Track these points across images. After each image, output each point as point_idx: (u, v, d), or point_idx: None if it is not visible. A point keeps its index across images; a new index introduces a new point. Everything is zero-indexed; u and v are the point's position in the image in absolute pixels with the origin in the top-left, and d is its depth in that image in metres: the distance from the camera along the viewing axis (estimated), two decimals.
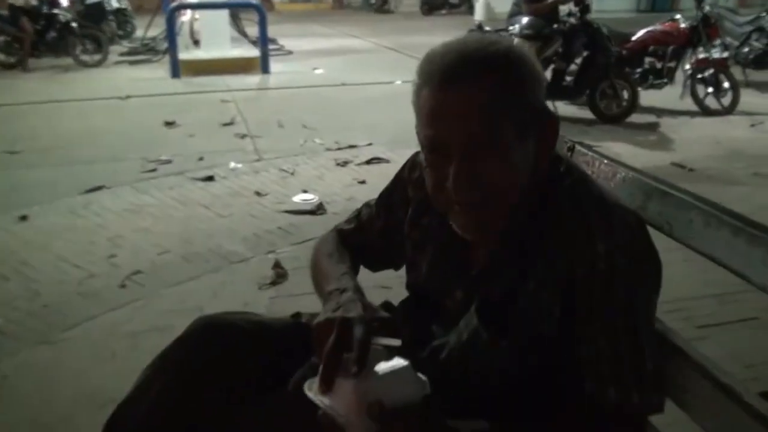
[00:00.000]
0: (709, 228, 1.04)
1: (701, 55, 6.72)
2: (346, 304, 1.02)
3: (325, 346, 0.92)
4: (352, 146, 5.55)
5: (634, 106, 6.50)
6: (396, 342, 0.96)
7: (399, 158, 5.25)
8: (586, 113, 6.65)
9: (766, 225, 0.98)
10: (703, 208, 1.07)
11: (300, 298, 2.78)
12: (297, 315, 1.33)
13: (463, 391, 1.05)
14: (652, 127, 6.44)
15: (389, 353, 0.94)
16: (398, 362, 0.92)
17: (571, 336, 0.99)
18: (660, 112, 6.89)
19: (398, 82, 8.07)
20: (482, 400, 1.05)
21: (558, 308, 0.99)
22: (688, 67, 6.81)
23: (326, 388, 0.90)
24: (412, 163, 1.24)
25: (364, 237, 1.32)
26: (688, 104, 6.79)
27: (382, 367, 0.91)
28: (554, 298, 0.99)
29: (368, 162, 5.08)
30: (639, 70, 6.89)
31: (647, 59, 6.93)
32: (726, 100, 6.74)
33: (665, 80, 6.91)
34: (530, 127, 0.98)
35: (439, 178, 0.99)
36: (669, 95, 6.98)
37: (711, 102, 6.77)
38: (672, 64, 6.88)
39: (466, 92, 0.95)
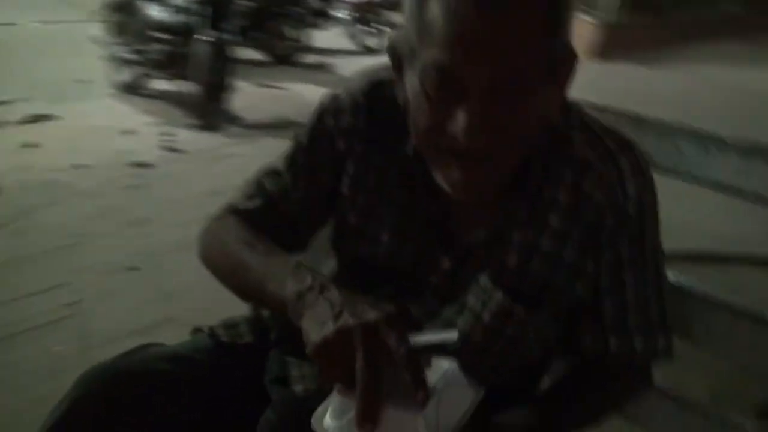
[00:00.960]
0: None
1: None
2: (348, 304, 0.72)
3: (354, 368, 0.67)
4: None
5: (303, 46, 6.54)
6: (453, 335, 0.75)
7: (73, 115, 4.58)
8: (255, 55, 6.44)
9: None
10: None
11: None
12: (199, 330, 1.06)
13: (496, 377, 0.89)
14: (325, 67, 6.59)
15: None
16: (445, 365, 0.75)
17: (595, 289, 0.89)
18: (329, 52, 7.07)
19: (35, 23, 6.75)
20: (514, 379, 0.93)
21: (590, 263, 0.87)
22: (345, 9, 7.07)
23: (370, 424, 0.65)
24: (334, 108, 0.94)
25: (278, 213, 0.98)
26: (350, 44, 7.11)
27: (433, 376, 0.71)
28: (582, 253, 0.87)
29: (34, 121, 4.14)
30: (300, 10, 6.92)
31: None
32: (383, 40, 7.22)
33: (324, 20, 7.08)
34: (559, 64, 0.78)
35: (439, 119, 0.75)
36: (334, 35, 7.20)
37: (371, 42, 7.20)
38: (326, 4, 7.06)
39: (514, 16, 0.70)
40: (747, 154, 0.94)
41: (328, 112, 0.94)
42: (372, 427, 0.64)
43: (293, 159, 0.97)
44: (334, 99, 0.94)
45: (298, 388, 0.96)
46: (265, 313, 1.07)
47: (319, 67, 6.52)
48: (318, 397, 0.80)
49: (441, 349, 0.80)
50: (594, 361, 0.92)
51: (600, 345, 0.90)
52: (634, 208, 0.85)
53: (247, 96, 5.00)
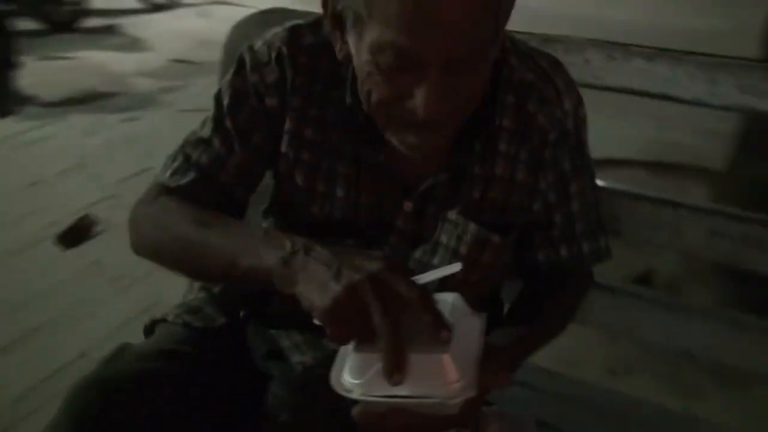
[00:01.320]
0: None
1: None
2: (344, 259, 0.70)
3: (367, 323, 0.65)
4: None
5: (83, 9, 5.95)
6: (455, 266, 0.74)
7: None
8: (30, 24, 5.75)
9: None
10: None
11: None
12: (160, 321, 0.99)
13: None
14: (113, 29, 6.06)
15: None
16: (450, 299, 0.74)
17: (546, 204, 0.93)
18: (114, 13, 6.49)
19: None
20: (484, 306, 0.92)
21: (542, 180, 0.91)
22: None
23: (400, 374, 0.65)
24: (256, 63, 0.88)
25: (215, 184, 0.90)
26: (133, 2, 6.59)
27: (444, 312, 0.70)
28: (533, 172, 0.90)
29: None
30: None
31: None
32: None
33: None
34: (501, 24, 0.77)
35: (395, 92, 0.74)
36: None
37: None
38: None
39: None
40: (651, 58, 1.05)
41: (249, 68, 0.88)
42: (401, 377, 0.64)
43: (219, 123, 0.90)
44: (254, 53, 0.88)
45: (296, 358, 0.93)
46: (223, 290, 1.02)
47: (106, 30, 5.98)
48: (323, 362, 0.79)
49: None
50: (548, 273, 0.96)
51: (553, 257, 0.94)
52: (572, 122, 0.89)
53: (35, 71, 4.48)
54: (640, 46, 1.06)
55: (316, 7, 0.85)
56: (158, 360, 0.88)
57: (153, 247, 0.88)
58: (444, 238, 0.89)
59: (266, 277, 0.74)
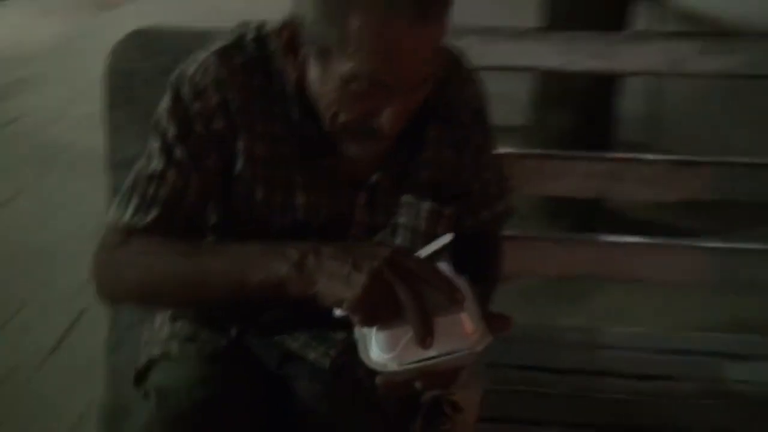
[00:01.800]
0: None
1: None
2: (356, 252, 0.78)
3: (391, 303, 0.75)
4: None
5: None
6: (446, 238, 0.85)
7: None
8: None
9: None
10: None
11: None
12: (159, 360, 1.01)
13: None
14: None
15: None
16: (443, 266, 0.83)
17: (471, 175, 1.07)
18: None
19: None
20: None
21: (465, 156, 1.03)
22: None
23: (431, 337, 0.74)
24: (195, 88, 0.90)
25: (181, 215, 0.92)
26: None
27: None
28: (458, 150, 1.02)
29: None
30: None
31: None
32: None
33: None
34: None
35: (362, 111, 0.83)
36: None
37: None
38: None
39: (436, 31, 0.80)
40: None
41: (190, 95, 0.90)
42: (431, 340, 0.73)
43: (169, 154, 0.91)
44: (190, 81, 0.90)
45: (311, 355, 0.98)
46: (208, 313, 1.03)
47: None
48: (344, 351, 0.87)
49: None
50: (473, 235, 1.06)
51: (477, 220, 1.05)
52: (480, 101, 1.02)
53: None
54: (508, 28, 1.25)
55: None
56: (203, 390, 0.89)
57: (138, 290, 0.89)
58: (402, 219, 0.98)
59: (280, 287, 0.78)
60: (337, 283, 0.75)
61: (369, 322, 0.76)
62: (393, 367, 0.76)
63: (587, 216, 2.48)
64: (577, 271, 1.31)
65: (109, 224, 0.92)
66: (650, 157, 1.30)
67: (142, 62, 1.26)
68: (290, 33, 0.84)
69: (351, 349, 0.82)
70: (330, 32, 0.78)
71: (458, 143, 1.00)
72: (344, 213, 0.97)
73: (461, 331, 0.76)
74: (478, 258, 1.07)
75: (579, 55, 1.25)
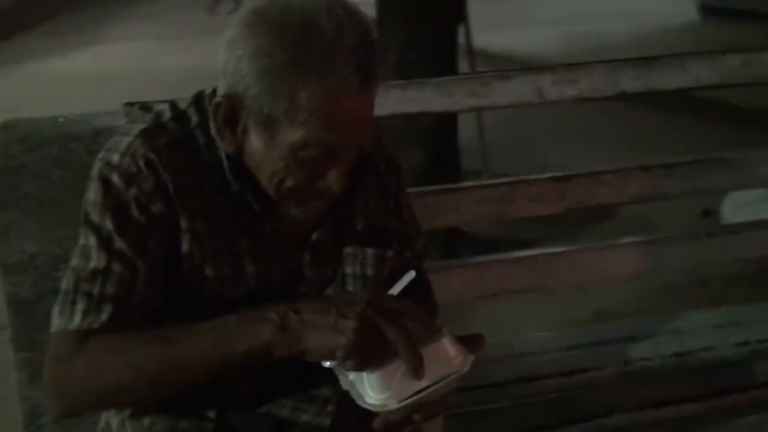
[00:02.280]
0: None
1: None
2: (335, 301, 0.83)
3: (376, 342, 0.79)
4: None
5: None
6: (411, 274, 0.92)
7: None
8: None
9: None
10: None
11: None
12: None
13: None
14: None
15: None
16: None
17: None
18: None
19: None
20: None
21: (390, 203, 1.09)
22: None
23: (422, 368, 0.80)
24: (126, 176, 0.88)
25: (135, 306, 0.89)
26: None
27: None
28: (382, 199, 1.08)
29: None
30: None
31: None
32: None
33: None
34: None
35: (310, 177, 0.88)
36: None
37: None
38: None
39: (374, 92, 0.86)
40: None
41: (122, 182, 0.88)
42: (423, 370, 0.78)
43: (110, 247, 0.87)
44: (119, 168, 0.88)
45: (304, 417, 0.96)
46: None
47: None
48: (340, 404, 0.89)
49: None
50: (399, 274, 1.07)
51: (402, 260, 1.07)
52: (392, 149, 1.09)
53: None
54: None
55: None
56: None
57: (110, 393, 0.85)
58: (349, 270, 1.01)
59: (266, 352, 0.80)
60: (326, 334, 0.78)
61: (363, 365, 0.79)
62: (393, 404, 0.79)
63: (448, 242, 2.67)
64: (491, 290, 1.42)
65: (55, 333, 0.87)
66: (533, 177, 1.45)
67: (25, 156, 1.19)
68: (227, 108, 0.85)
69: (345, 401, 0.84)
70: (278, 104, 0.81)
71: (381, 191, 1.06)
72: (293, 273, 0.98)
73: (447, 356, 0.82)
74: (413, 294, 1.14)
75: (459, 96, 1.38)
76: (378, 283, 1.03)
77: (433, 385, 0.80)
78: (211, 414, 0.95)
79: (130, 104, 1.26)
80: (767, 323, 1.56)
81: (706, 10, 7.57)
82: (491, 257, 1.45)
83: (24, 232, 1.19)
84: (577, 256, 1.51)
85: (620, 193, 1.50)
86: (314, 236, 0.98)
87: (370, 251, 1.03)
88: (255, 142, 0.86)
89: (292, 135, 0.83)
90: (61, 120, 1.26)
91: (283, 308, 0.82)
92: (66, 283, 0.88)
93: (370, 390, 0.80)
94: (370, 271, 1.02)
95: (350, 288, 1.02)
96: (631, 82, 1.44)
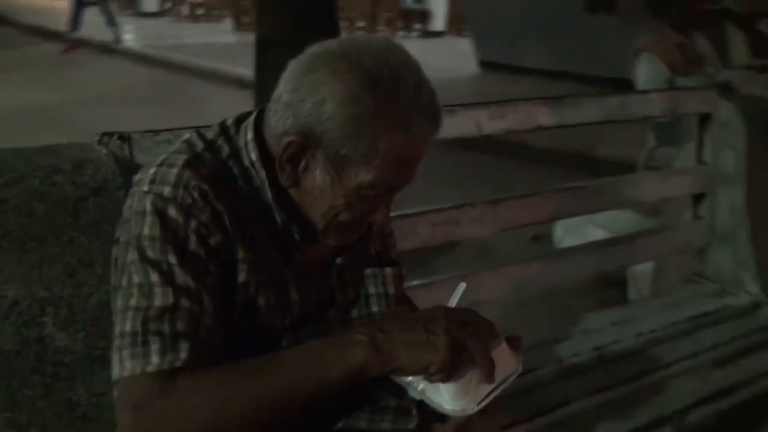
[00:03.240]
0: None
1: None
2: (421, 319, 0.89)
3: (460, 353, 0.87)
4: None
5: None
6: (462, 285, 1.00)
7: None
8: None
9: None
10: None
11: None
12: None
13: None
14: None
15: None
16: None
17: None
18: None
19: None
20: None
21: (386, 229, 1.17)
22: None
23: (494, 372, 0.90)
24: (178, 208, 0.88)
25: (209, 339, 0.88)
26: None
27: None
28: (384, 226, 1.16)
29: None
30: None
31: None
32: None
33: None
34: None
35: (366, 211, 0.95)
36: None
37: None
38: None
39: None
40: None
41: (181, 214, 0.87)
42: (494, 372, 0.87)
43: (173, 283, 0.85)
44: (174, 200, 0.87)
45: (384, 426, 0.99)
46: None
47: None
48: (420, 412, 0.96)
49: None
50: None
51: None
52: None
53: None
54: None
55: None
56: None
57: (214, 430, 0.83)
58: (372, 289, 1.08)
59: (361, 373, 0.84)
60: (421, 350, 0.84)
61: (451, 377, 0.85)
62: (473, 408, 0.87)
63: None
64: None
65: (129, 379, 0.83)
66: (474, 201, 1.61)
67: (4, 191, 1.06)
68: (298, 146, 0.89)
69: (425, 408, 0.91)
70: (357, 148, 0.87)
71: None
72: (325, 297, 1.03)
73: (507, 359, 0.92)
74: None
75: None
76: (398, 299, 1.11)
77: (499, 386, 0.90)
78: None
79: (108, 134, 1.20)
80: (650, 316, 1.88)
81: (485, 65, 8.63)
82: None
83: (4, 275, 1.06)
84: (438, 287, 1.58)
85: (539, 213, 1.72)
86: (339, 261, 1.03)
87: (388, 270, 1.10)
88: (320, 178, 0.90)
89: (364, 176, 0.89)
90: (29, 151, 1.15)
91: (370, 329, 0.86)
92: (130, 325, 0.84)
93: (450, 398, 0.87)
94: (391, 290, 1.09)
95: (375, 307, 1.07)
96: (547, 117, 1.68)
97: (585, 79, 6.68)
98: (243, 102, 6.89)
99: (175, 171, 0.89)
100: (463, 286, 0.99)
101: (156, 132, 1.25)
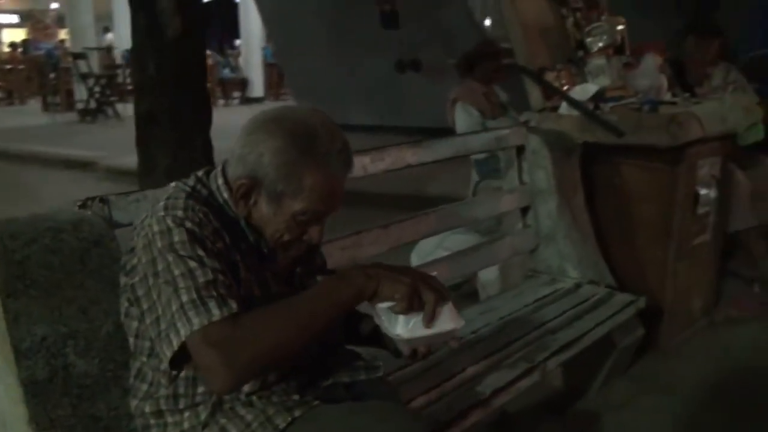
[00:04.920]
0: None
1: None
2: (392, 266, 1.24)
3: (426, 293, 1.20)
4: None
5: None
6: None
7: None
8: None
9: None
10: None
11: None
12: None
13: None
14: None
15: None
16: None
17: None
18: None
19: None
20: None
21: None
22: None
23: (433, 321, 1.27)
24: (192, 222, 1.19)
25: (240, 299, 1.18)
26: None
27: None
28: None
29: None
30: None
31: None
32: None
33: None
34: None
35: (301, 233, 1.27)
36: None
37: None
38: None
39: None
40: None
41: (193, 227, 1.18)
42: (433, 321, 1.22)
43: (208, 266, 1.15)
44: (187, 218, 1.18)
45: (361, 376, 1.36)
46: None
47: None
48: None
49: None
50: None
51: None
52: None
53: None
54: None
55: None
56: None
57: (272, 353, 1.12)
58: None
59: (360, 294, 1.18)
60: (394, 282, 1.18)
61: (407, 310, 1.20)
62: (406, 337, 1.20)
63: None
64: None
65: (198, 330, 1.10)
66: (370, 227, 2.04)
67: (24, 249, 1.30)
68: (247, 187, 1.24)
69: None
70: (289, 185, 1.22)
71: None
72: (292, 293, 1.38)
73: (451, 317, 1.22)
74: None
75: None
76: None
77: (437, 334, 1.23)
78: (295, 396, 1.27)
79: (90, 199, 1.48)
80: (505, 305, 2.41)
81: None
82: None
83: (33, 317, 1.29)
84: None
85: (417, 231, 2.19)
86: (298, 270, 1.39)
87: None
88: (265, 209, 1.25)
89: (297, 206, 1.22)
90: (30, 218, 1.39)
91: (361, 266, 1.21)
92: (186, 298, 1.12)
93: (398, 325, 1.21)
94: None
95: None
96: (413, 157, 2.17)
97: (398, 130, 7.39)
98: (75, 182, 6.80)
99: (181, 201, 1.21)
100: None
101: (127, 194, 1.55)
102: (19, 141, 9.18)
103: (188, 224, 1.18)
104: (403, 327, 1.21)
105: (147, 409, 1.29)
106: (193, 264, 1.15)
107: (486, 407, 1.78)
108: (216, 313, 1.11)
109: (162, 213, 1.19)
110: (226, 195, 1.29)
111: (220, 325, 1.11)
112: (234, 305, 1.13)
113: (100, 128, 10.59)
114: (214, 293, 1.13)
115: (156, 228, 1.18)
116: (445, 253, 3.05)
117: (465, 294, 3.44)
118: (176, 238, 1.16)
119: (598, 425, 2.36)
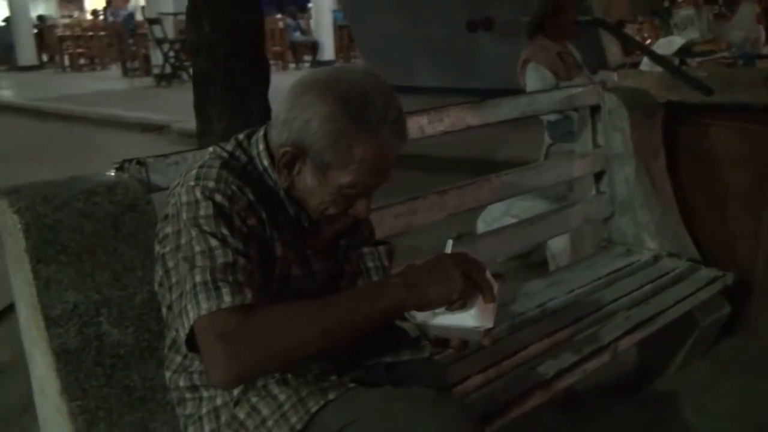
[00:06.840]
0: None
1: None
2: (440, 261, 1.10)
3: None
4: None
5: None
6: (450, 242, 1.28)
7: None
8: None
9: None
10: None
11: None
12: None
13: None
14: None
15: None
16: None
17: None
18: None
19: None
20: None
21: None
22: None
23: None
24: (222, 197, 1.10)
25: (259, 287, 1.08)
26: None
27: None
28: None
29: None
30: None
31: None
32: None
33: None
34: None
35: (348, 206, 1.17)
36: None
37: None
38: None
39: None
40: None
41: (223, 201, 1.08)
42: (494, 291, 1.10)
43: (230, 246, 1.05)
44: (218, 190, 1.09)
45: (405, 356, 1.26)
46: None
47: None
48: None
49: None
50: None
51: None
52: None
53: None
54: None
55: None
56: None
57: (285, 353, 1.02)
58: (370, 263, 1.32)
59: (399, 307, 1.07)
60: (443, 284, 1.06)
61: (468, 302, 1.08)
62: (418, 320, 1.10)
63: None
64: None
65: (206, 316, 1.01)
66: (425, 193, 1.91)
67: (56, 213, 1.25)
68: (292, 155, 1.13)
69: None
70: (337, 155, 1.10)
71: None
72: (336, 270, 1.28)
73: (477, 313, 1.09)
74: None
75: None
76: (391, 270, 1.36)
77: (453, 327, 1.10)
78: (333, 377, 1.17)
79: (127, 161, 1.41)
80: (576, 277, 2.24)
81: None
82: None
83: (64, 284, 1.24)
84: None
85: (477, 198, 2.04)
86: (342, 242, 1.28)
87: (382, 248, 1.34)
88: (310, 180, 1.14)
89: (345, 178, 1.11)
90: (66, 181, 1.33)
91: (401, 274, 1.09)
92: (200, 278, 1.03)
93: (473, 318, 1.08)
94: (386, 262, 1.34)
95: (374, 278, 1.30)
96: (473, 118, 2.01)
97: (469, 92, 7.17)
98: (148, 145, 6.95)
99: (215, 171, 1.11)
100: (451, 242, 1.27)
101: (166, 156, 1.47)
102: (99, 105, 9.45)
103: (218, 197, 1.08)
104: (478, 316, 1.09)
105: (181, 383, 1.23)
106: (214, 242, 1.06)
107: (548, 389, 1.64)
108: (227, 300, 1.02)
109: (192, 183, 1.10)
110: (266, 162, 1.18)
111: (230, 314, 1.01)
112: (249, 295, 1.03)
113: (174, 92, 10.76)
114: (230, 278, 1.03)
115: (184, 198, 1.10)
116: (513, 221, 2.90)
117: (533, 264, 3.28)
118: (202, 212, 1.08)
119: (675, 408, 2.17)
